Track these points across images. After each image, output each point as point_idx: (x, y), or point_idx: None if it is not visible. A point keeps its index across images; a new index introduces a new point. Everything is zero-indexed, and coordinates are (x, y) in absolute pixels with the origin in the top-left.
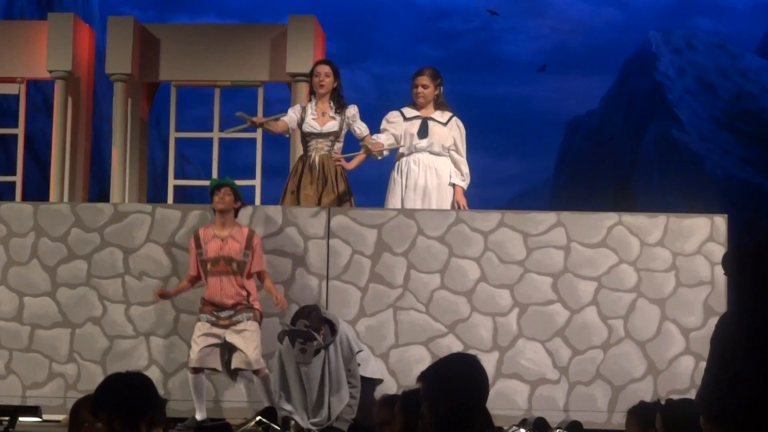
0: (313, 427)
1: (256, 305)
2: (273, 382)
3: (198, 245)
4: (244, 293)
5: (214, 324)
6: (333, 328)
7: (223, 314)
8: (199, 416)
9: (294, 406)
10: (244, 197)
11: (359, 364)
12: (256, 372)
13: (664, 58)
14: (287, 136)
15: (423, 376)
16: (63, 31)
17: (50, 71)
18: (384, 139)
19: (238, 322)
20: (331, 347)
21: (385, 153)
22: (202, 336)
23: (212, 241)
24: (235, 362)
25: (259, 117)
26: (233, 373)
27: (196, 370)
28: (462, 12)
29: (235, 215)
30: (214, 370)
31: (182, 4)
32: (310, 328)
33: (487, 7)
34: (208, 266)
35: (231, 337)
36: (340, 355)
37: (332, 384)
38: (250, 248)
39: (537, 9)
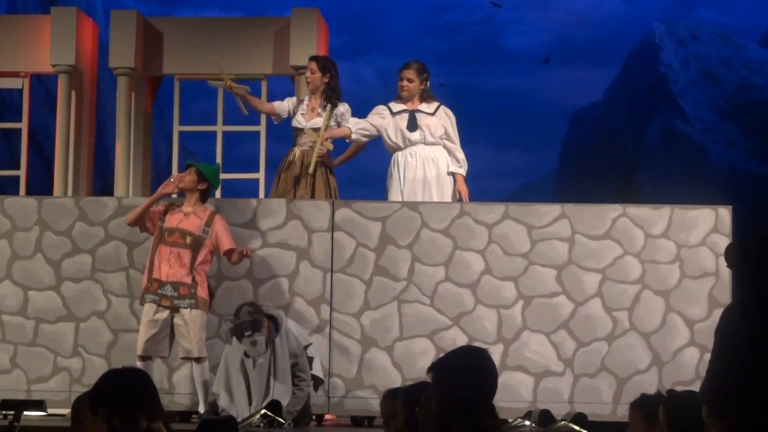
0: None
1: (202, 293)
2: (215, 385)
3: (164, 212)
4: (190, 274)
5: (158, 304)
6: (276, 324)
7: (166, 292)
8: None
9: (236, 407)
10: (215, 183)
11: (312, 358)
12: (196, 360)
13: (667, 49)
14: (275, 122)
15: (432, 367)
16: (66, 25)
17: (53, 65)
18: (353, 123)
19: (180, 307)
20: (277, 341)
21: (354, 137)
22: (148, 322)
23: (175, 214)
24: (180, 351)
25: (235, 84)
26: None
27: (144, 358)
28: (465, 4)
29: (204, 199)
30: (163, 357)
31: None
32: (254, 314)
33: (490, 0)
34: (165, 235)
35: (176, 320)
36: (286, 349)
37: (278, 378)
38: (210, 225)
39: (540, 1)
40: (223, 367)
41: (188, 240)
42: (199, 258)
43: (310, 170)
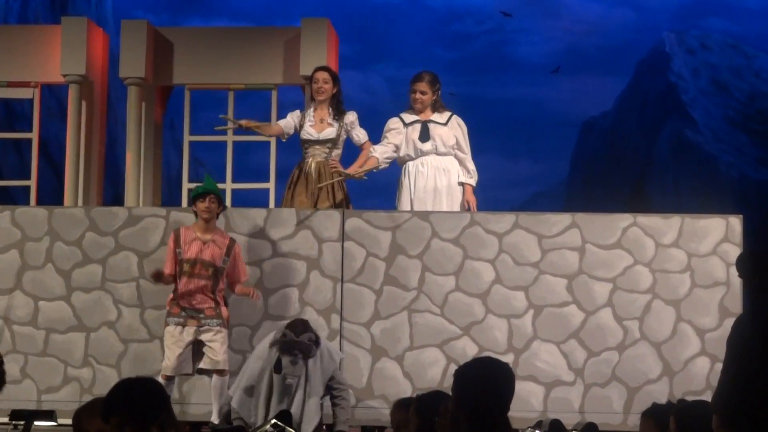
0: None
1: (224, 312)
2: (237, 383)
3: (177, 244)
4: (213, 302)
5: (182, 326)
6: (317, 341)
7: (192, 314)
8: None
9: (248, 410)
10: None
11: None
12: (219, 372)
13: (677, 58)
14: (283, 140)
15: (455, 373)
16: (77, 35)
17: (64, 75)
18: (380, 153)
19: (207, 326)
20: (310, 362)
21: (382, 166)
22: (175, 343)
23: (193, 243)
24: (203, 363)
25: (246, 120)
26: (199, 371)
27: (169, 378)
28: (475, 14)
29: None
30: (187, 374)
31: (195, 8)
32: (313, 342)
33: (500, 9)
34: (186, 267)
35: (203, 337)
36: (319, 367)
37: (308, 394)
38: (231, 255)
39: (550, 10)
40: (247, 371)
41: (210, 272)
42: (220, 285)
43: (320, 184)
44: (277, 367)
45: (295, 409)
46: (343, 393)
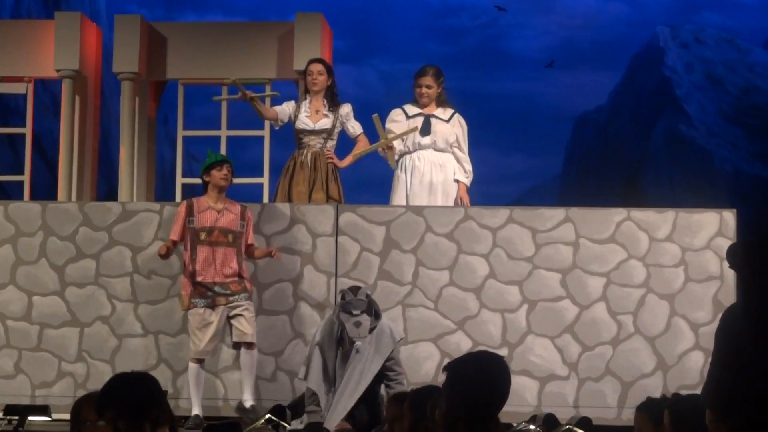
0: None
1: (249, 285)
2: (307, 375)
3: (190, 213)
4: (236, 268)
5: (209, 307)
6: (377, 314)
7: (219, 291)
8: (198, 411)
9: (330, 400)
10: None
11: None
12: (247, 345)
13: (672, 53)
14: (276, 128)
15: (447, 367)
16: (70, 30)
17: (57, 70)
18: (396, 128)
19: (236, 302)
20: (370, 336)
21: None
22: (204, 326)
23: (207, 212)
24: (235, 336)
25: (250, 92)
26: (236, 346)
27: (200, 361)
28: (469, 8)
29: None
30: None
31: (189, 3)
32: (371, 299)
33: (495, 4)
34: (202, 236)
35: (236, 311)
36: (374, 343)
37: (364, 372)
38: (245, 219)
39: (544, 5)
40: (317, 355)
41: (230, 237)
42: (242, 251)
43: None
44: (341, 342)
45: (343, 381)
46: (399, 377)
